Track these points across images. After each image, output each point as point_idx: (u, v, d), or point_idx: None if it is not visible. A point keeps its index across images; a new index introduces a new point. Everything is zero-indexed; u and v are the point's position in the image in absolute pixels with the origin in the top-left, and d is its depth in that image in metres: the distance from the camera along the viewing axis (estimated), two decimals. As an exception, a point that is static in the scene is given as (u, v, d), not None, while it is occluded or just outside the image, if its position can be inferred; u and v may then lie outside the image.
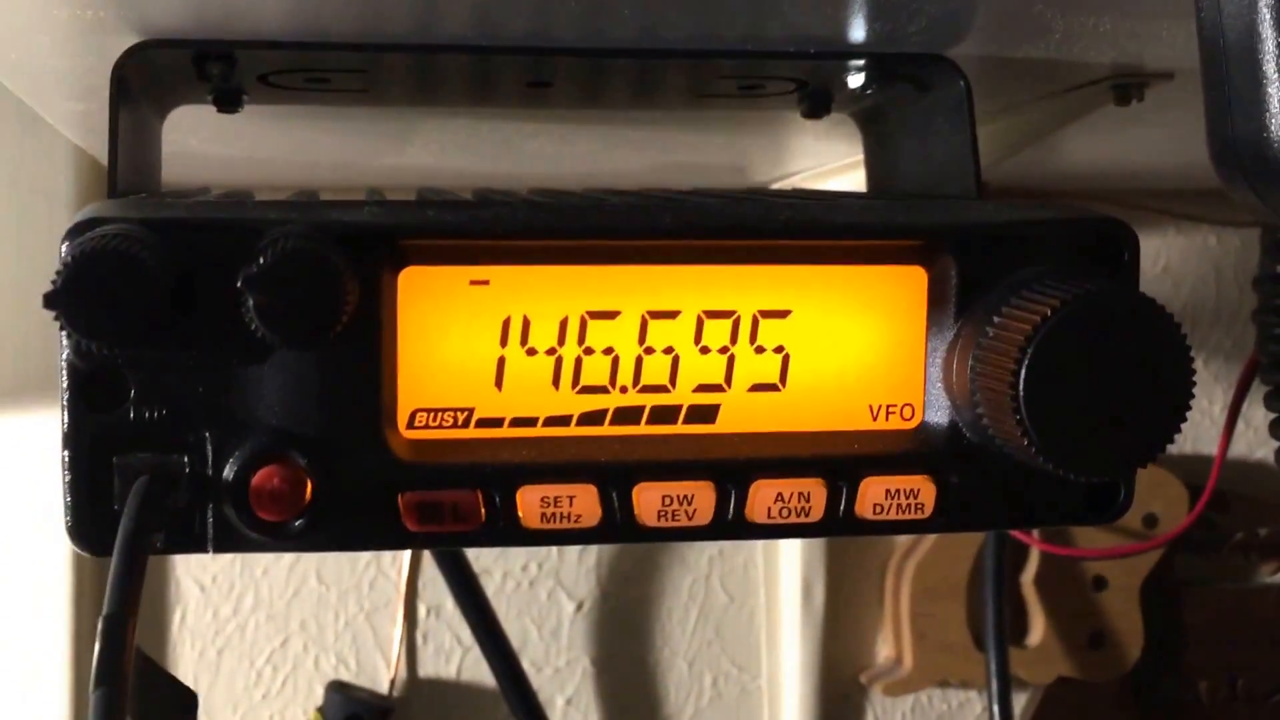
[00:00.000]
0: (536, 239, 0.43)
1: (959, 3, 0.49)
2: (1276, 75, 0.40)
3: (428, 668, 1.02)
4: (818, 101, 0.62)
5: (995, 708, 1.01)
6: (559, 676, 1.05)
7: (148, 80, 0.54)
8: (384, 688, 1.01)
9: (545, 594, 1.04)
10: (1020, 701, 1.08)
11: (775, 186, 0.92)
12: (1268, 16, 0.40)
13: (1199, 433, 1.10)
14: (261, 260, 0.39)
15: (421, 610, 1.02)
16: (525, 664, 1.00)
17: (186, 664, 0.99)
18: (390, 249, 0.42)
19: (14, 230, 0.85)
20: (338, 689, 0.99)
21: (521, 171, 0.91)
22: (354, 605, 1.01)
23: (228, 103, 0.58)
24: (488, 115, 0.71)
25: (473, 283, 0.43)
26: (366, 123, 0.72)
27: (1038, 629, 1.07)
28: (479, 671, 1.01)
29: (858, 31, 0.53)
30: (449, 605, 1.00)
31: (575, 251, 0.44)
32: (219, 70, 0.55)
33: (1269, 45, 0.40)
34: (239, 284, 0.39)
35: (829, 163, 0.84)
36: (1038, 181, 0.97)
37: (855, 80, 0.60)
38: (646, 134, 0.77)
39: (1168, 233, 1.09)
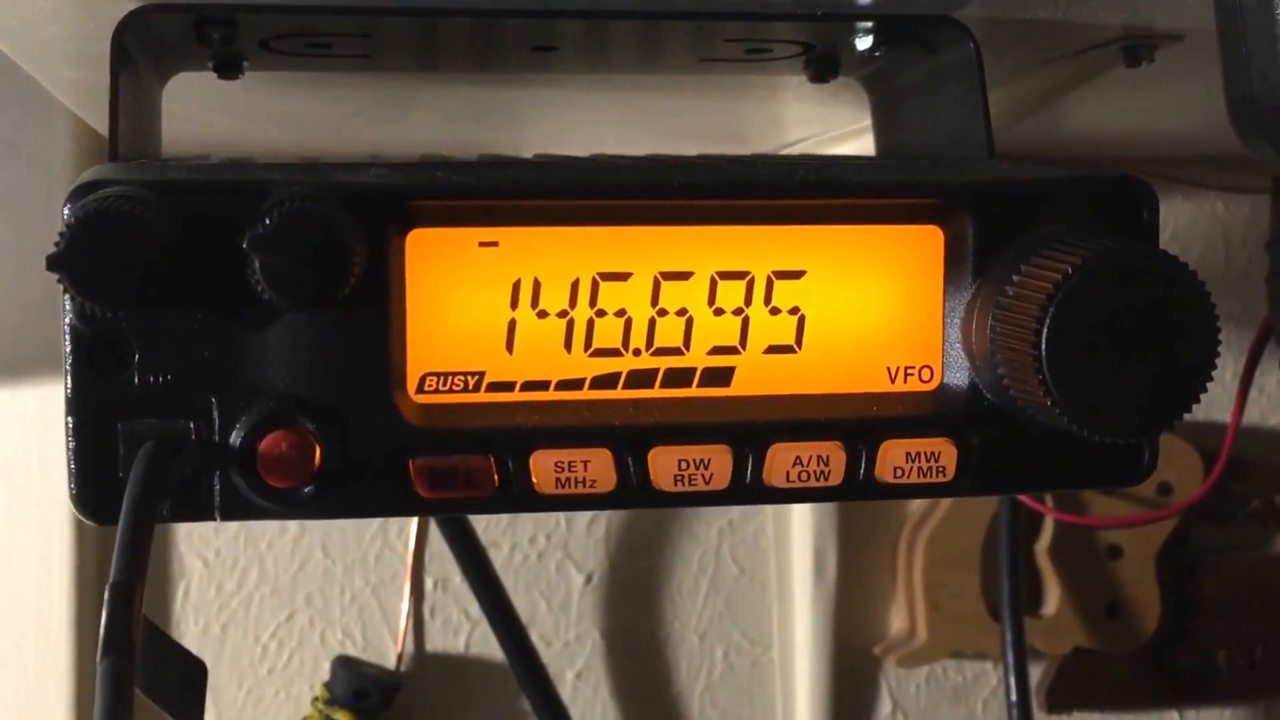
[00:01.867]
0: (546, 199, 0.43)
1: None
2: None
3: (435, 642, 1.02)
4: (825, 65, 0.62)
5: (1011, 679, 1.01)
6: (569, 650, 1.04)
7: (148, 46, 0.53)
8: (391, 663, 1.01)
9: (554, 566, 1.03)
10: (1036, 672, 1.07)
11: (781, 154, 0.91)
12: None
13: (1212, 400, 1.08)
14: (267, 221, 0.38)
15: (429, 584, 1.02)
16: (534, 637, 1.00)
17: (191, 639, 0.99)
18: (398, 210, 0.42)
19: (13, 201, 0.84)
20: (344, 664, 0.99)
21: (524, 139, 0.90)
22: (360, 579, 1.01)
23: (228, 69, 0.58)
24: (490, 82, 0.70)
25: (482, 244, 0.43)
26: (369, 90, 0.71)
27: (1053, 599, 1.07)
28: (487, 646, 1.01)
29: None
30: (456, 578, 1.00)
31: (585, 212, 0.43)
32: (220, 35, 0.54)
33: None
34: (244, 245, 0.38)
35: (833, 130, 0.83)
36: (1045, 147, 0.97)
37: (863, 43, 0.59)
38: (650, 101, 0.77)
39: (1175, 199, 1.08)
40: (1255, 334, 0.76)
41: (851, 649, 1.07)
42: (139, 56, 0.53)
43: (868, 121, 0.65)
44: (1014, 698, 1.00)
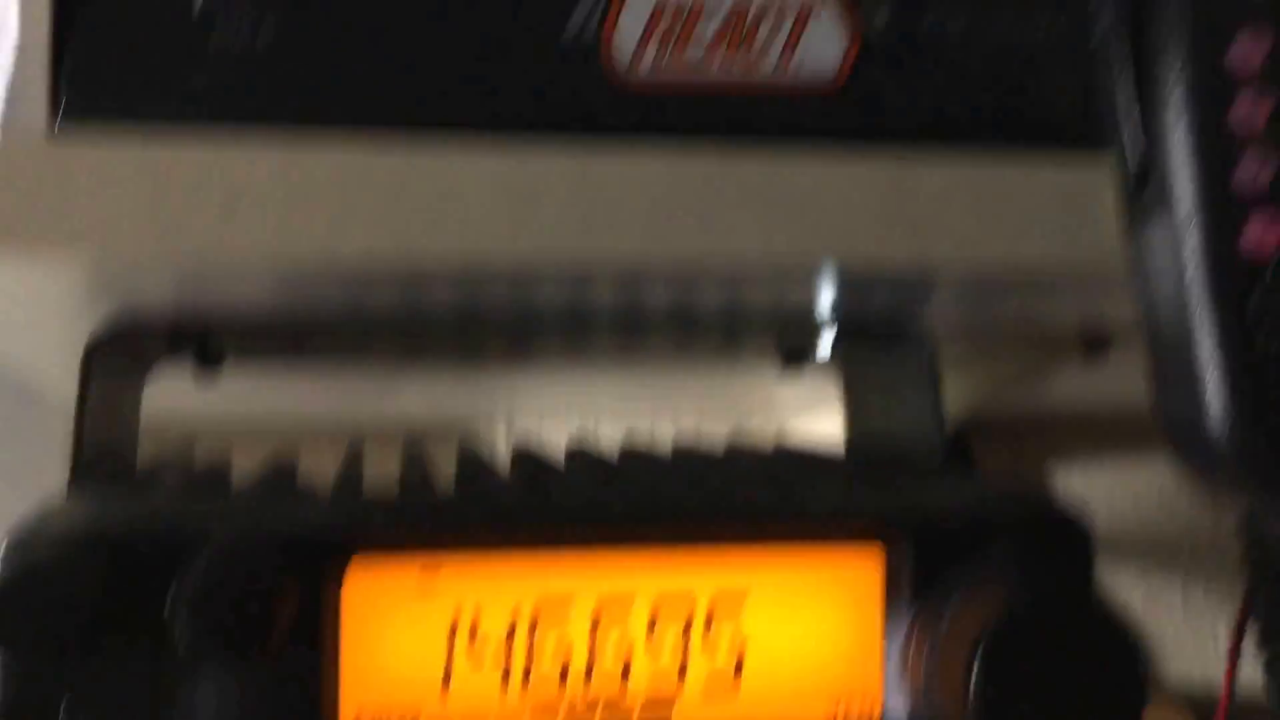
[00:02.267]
0: (484, 538, 0.43)
1: (911, 278, 0.49)
2: (1209, 367, 0.40)
3: None
4: (794, 358, 0.63)
5: None
6: None
7: (122, 354, 0.54)
8: None
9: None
10: None
11: (760, 426, 0.92)
12: (1196, 310, 0.40)
13: (1205, 661, 1.07)
14: (191, 578, 0.38)
15: None
16: None
17: None
18: (332, 555, 0.42)
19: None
20: None
21: (516, 411, 0.91)
22: None
23: (207, 368, 0.59)
24: (474, 365, 0.71)
25: (420, 582, 0.43)
26: (349, 377, 0.72)
27: None
28: None
29: (824, 300, 0.53)
30: None
31: (524, 541, 0.43)
32: (194, 345, 0.55)
33: (1200, 337, 0.40)
34: (168, 601, 0.38)
35: (819, 405, 0.84)
36: (1034, 414, 0.97)
37: (825, 342, 0.60)
38: (638, 379, 0.77)
39: (1159, 464, 1.07)
40: (1239, 609, 0.75)
41: None
42: (114, 364, 0.54)
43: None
44: None
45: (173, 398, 0.68)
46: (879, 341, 0.59)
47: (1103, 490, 1.06)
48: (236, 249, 0.43)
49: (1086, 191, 0.47)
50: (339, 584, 0.42)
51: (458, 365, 0.69)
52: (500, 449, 0.65)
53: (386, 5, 0.45)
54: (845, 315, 0.57)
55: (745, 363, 0.69)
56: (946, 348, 0.59)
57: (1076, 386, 0.79)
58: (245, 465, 0.59)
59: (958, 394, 0.72)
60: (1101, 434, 1.03)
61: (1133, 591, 1.07)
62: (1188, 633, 1.08)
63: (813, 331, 0.60)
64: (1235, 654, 0.84)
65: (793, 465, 0.54)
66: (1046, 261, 0.47)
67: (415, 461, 0.61)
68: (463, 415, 0.93)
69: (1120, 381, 0.73)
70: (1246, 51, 0.41)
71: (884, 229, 0.47)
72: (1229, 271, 0.41)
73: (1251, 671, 0.47)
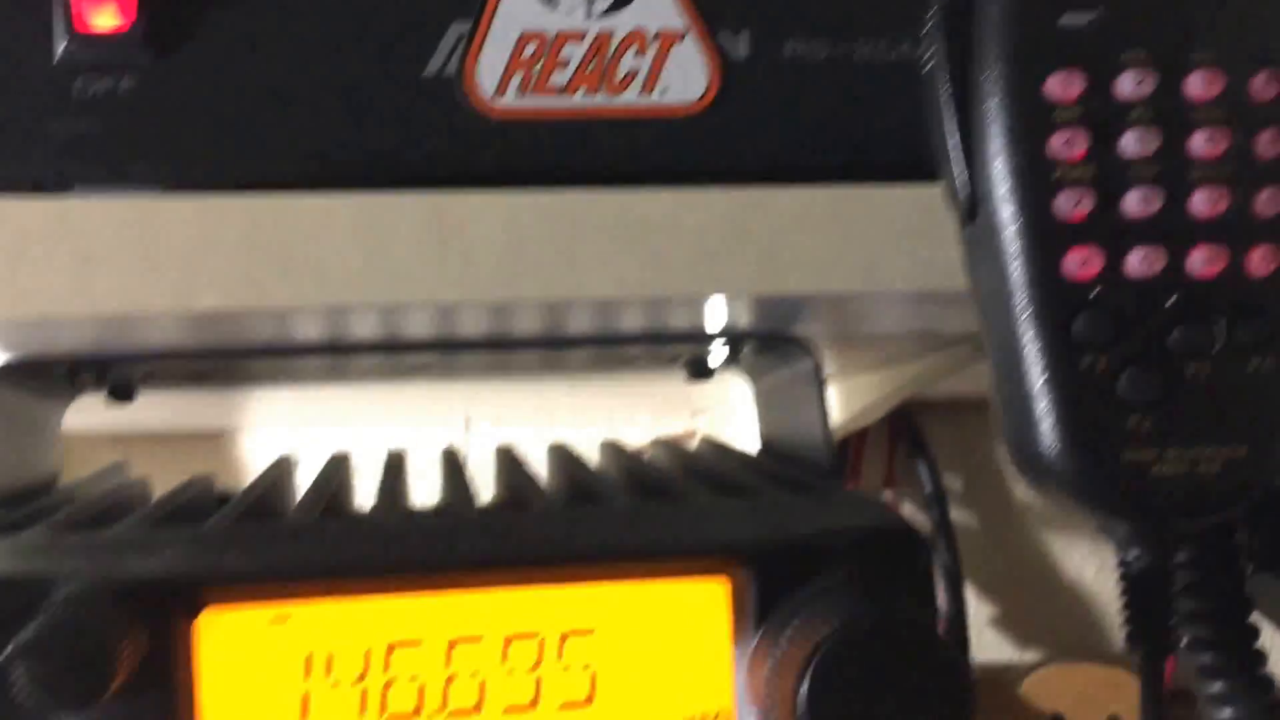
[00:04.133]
0: (332, 577, 0.43)
1: (777, 303, 0.49)
2: (1039, 387, 0.40)
3: None
4: (698, 369, 0.63)
5: None
6: None
7: (28, 386, 0.54)
8: None
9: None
10: None
11: (708, 418, 0.91)
12: (1024, 339, 0.40)
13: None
14: (32, 627, 0.38)
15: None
16: None
17: None
18: (184, 597, 0.42)
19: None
20: None
21: (471, 409, 0.91)
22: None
23: (119, 396, 0.59)
24: (397, 383, 0.71)
25: (273, 621, 0.42)
26: (272, 391, 0.72)
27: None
28: None
29: (710, 321, 0.53)
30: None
31: (373, 584, 0.43)
32: (93, 379, 0.55)
33: (1029, 366, 0.40)
34: (9, 652, 0.38)
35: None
36: (975, 393, 0.96)
37: (719, 355, 0.60)
38: (561, 394, 0.77)
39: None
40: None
41: None
42: (21, 396, 0.54)
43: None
44: None
45: (105, 418, 0.68)
46: (771, 353, 0.59)
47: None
48: (92, 305, 0.43)
49: (939, 216, 0.47)
50: (190, 627, 0.42)
51: (381, 382, 0.69)
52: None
53: (248, 53, 0.45)
54: (735, 331, 0.56)
55: (656, 374, 0.69)
56: (847, 356, 0.59)
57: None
58: (171, 481, 0.59)
59: (891, 385, 0.71)
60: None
61: (1086, 563, 1.07)
62: (1139, 605, 1.08)
63: (707, 347, 0.59)
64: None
65: (663, 491, 0.53)
66: (898, 285, 0.47)
67: (322, 486, 0.60)
68: (423, 418, 0.93)
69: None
70: (1063, 86, 0.40)
71: (741, 259, 0.46)
72: (1053, 297, 0.40)
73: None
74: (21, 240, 0.43)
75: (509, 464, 0.67)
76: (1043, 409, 0.41)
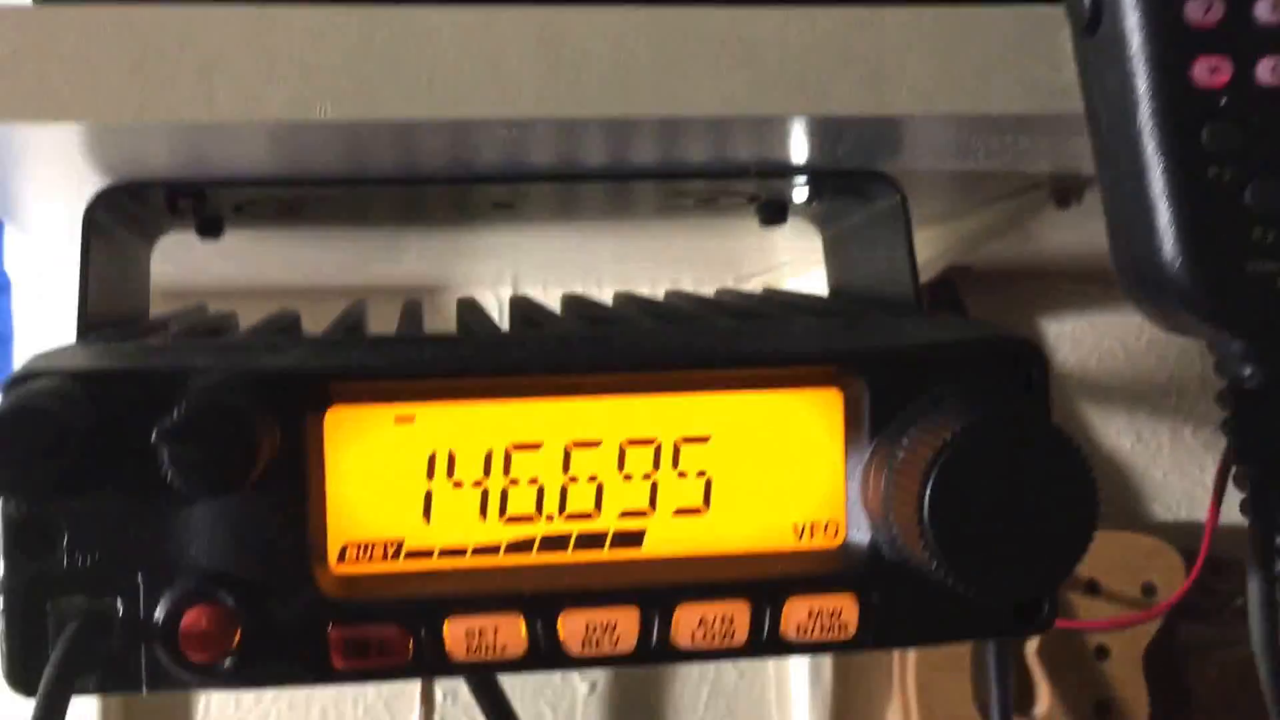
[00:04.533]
0: (456, 379, 0.43)
1: (878, 129, 0.49)
2: (1162, 203, 0.40)
3: (446, 751, 1.02)
4: (772, 211, 0.62)
5: (1004, 776, 0.99)
6: (575, 756, 1.04)
7: (124, 216, 0.54)
8: (403, 772, 1.00)
9: (559, 676, 1.03)
10: (1031, 768, 1.06)
11: (757, 280, 0.91)
12: (1149, 146, 0.40)
13: (1193, 500, 1.08)
14: (175, 414, 0.39)
15: (439, 695, 1.01)
16: (542, 745, 0.99)
17: (211, 754, 0.98)
18: (314, 392, 0.42)
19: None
20: (358, 774, 0.98)
21: (514, 271, 0.91)
22: (373, 692, 1.00)
23: (209, 232, 0.58)
24: (467, 227, 0.71)
25: (398, 420, 0.43)
26: (350, 238, 0.72)
27: (1043, 699, 1.05)
28: (497, 753, 1.00)
29: (797, 152, 0.53)
30: (465, 691, 0.99)
31: (496, 388, 0.43)
32: (191, 206, 0.55)
33: (1154, 175, 0.40)
34: (154, 437, 0.39)
35: (811, 255, 0.83)
36: (1020, 262, 0.97)
37: (801, 194, 0.59)
38: (623, 239, 0.77)
39: (1148, 307, 1.07)
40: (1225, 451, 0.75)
41: (851, 750, 1.05)
42: (117, 227, 0.54)
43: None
44: (1006, 796, 0.98)
45: (183, 263, 0.68)
46: (852, 193, 0.58)
47: (1091, 337, 1.06)
48: (216, 112, 0.43)
49: (1047, 36, 0.46)
50: (320, 421, 0.42)
51: (454, 227, 0.68)
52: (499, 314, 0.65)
53: None
54: (817, 170, 0.56)
55: (727, 222, 0.68)
56: (922, 201, 0.58)
57: (1061, 234, 0.79)
58: (250, 321, 0.60)
59: (939, 245, 0.71)
60: (1088, 281, 1.02)
61: (1123, 436, 1.08)
62: (1175, 474, 1.08)
63: (786, 189, 0.59)
64: (1219, 494, 0.84)
65: (757, 315, 0.53)
66: (1007, 108, 0.47)
67: (410, 317, 0.61)
68: (465, 279, 0.93)
69: (1094, 231, 0.73)
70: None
71: (848, 80, 0.46)
72: (1180, 105, 0.40)
73: (1234, 510, 0.48)
74: (143, 48, 0.43)
75: (581, 302, 0.67)
76: (1165, 222, 0.41)
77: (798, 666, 1.03)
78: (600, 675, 1.03)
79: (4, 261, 0.87)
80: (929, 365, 0.44)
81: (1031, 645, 1.05)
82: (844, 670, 1.04)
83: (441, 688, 1.01)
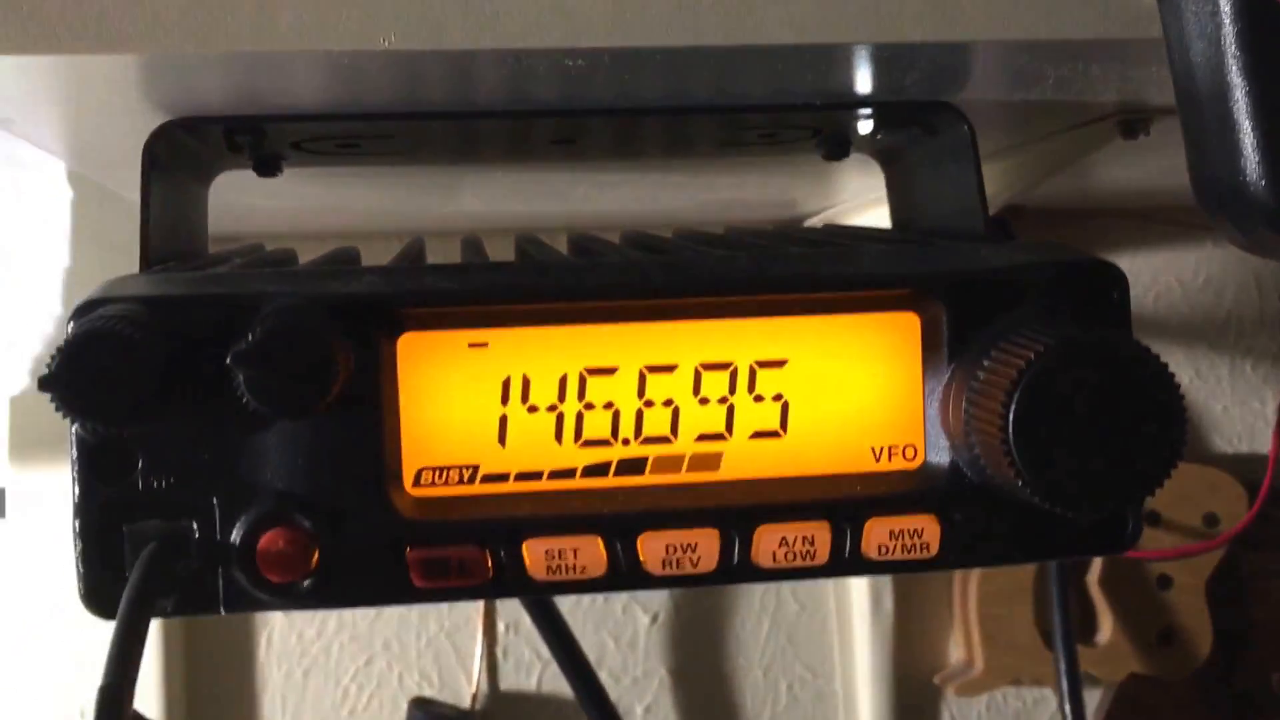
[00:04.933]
0: (530, 303, 0.42)
1: (947, 56, 0.48)
2: (1247, 122, 0.39)
3: (508, 681, 1.02)
4: (835, 146, 0.61)
5: (1067, 707, 0.99)
6: (637, 686, 1.04)
7: (182, 153, 0.54)
8: (466, 702, 1.01)
9: (620, 608, 1.03)
10: (1095, 698, 1.05)
11: (810, 221, 0.90)
12: (1234, 66, 0.39)
13: (1254, 433, 1.07)
14: (250, 337, 0.38)
15: (501, 626, 1.01)
16: (603, 675, 0.99)
17: (274, 685, 0.99)
18: (387, 317, 0.42)
19: (94, 282, 0.85)
20: (421, 705, 0.99)
21: (567, 213, 0.90)
22: (434, 624, 1.01)
23: (267, 169, 0.58)
24: (525, 167, 0.70)
25: (471, 345, 0.42)
26: (410, 177, 0.71)
27: (1106, 627, 1.04)
28: (559, 683, 1.00)
29: (862, 83, 0.52)
30: (527, 621, 0.99)
31: (570, 313, 0.43)
32: (249, 141, 0.55)
33: (1238, 94, 0.39)
34: (228, 360, 0.38)
35: (868, 193, 0.82)
36: (1075, 201, 0.95)
37: (866, 126, 0.58)
38: (683, 178, 0.76)
39: (1206, 245, 1.06)
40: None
41: (912, 679, 1.05)
42: (175, 163, 0.53)
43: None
44: (1070, 725, 0.98)
45: (238, 206, 0.68)
46: (917, 125, 0.57)
47: (1148, 274, 1.05)
48: (278, 42, 0.42)
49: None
50: (394, 347, 0.42)
51: (511, 163, 0.68)
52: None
53: None
54: (883, 102, 0.55)
55: (789, 159, 0.67)
56: (987, 134, 0.57)
57: (1124, 168, 0.78)
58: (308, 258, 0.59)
59: (999, 182, 0.70)
60: (1146, 217, 1.01)
61: (1181, 372, 1.06)
62: (1236, 408, 1.07)
63: (850, 122, 0.58)
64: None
65: (828, 242, 0.52)
66: (1080, 32, 0.46)
67: (471, 248, 0.60)
68: (520, 223, 0.92)
69: (1162, 163, 0.71)
70: None
71: (918, 5, 0.45)
72: (1267, 25, 0.39)
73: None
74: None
75: (642, 235, 0.66)
76: (1249, 142, 0.39)
77: (859, 598, 1.03)
78: (662, 607, 1.03)
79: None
80: (1009, 287, 0.43)
81: (1094, 574, 1.04)
82: (905, 601, 1.03)
83: (504, 619, 1.01)
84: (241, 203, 0.71)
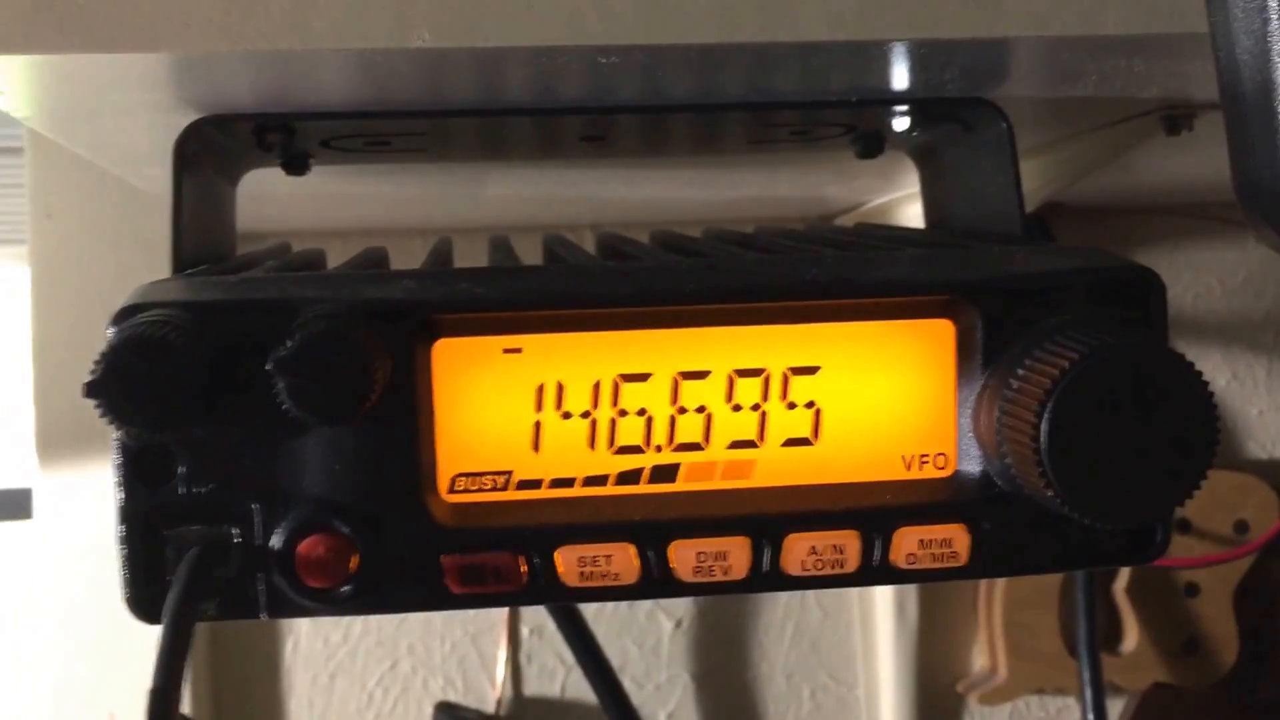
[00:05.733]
0: (565, 308, 0.43)
1: (987, 53, 0.48)
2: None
3: (532, 687, 1.02)
4: (870, 143, 0.61)
5: (1090, 716, 0.99)
6: (660, 692, 1.04)
7: (212, 151, 0.54)
8: (490, 707, 1.02)
9: (644, 614, 1.03)
10: (1117, 707, 1.05)
11: (842, 219, 0.91)
12: None
13: (1286, 439, 1.07)
14: (289, 343, 0.39)
15: (524, 631, 1.02)
16: (627, 681, 1.00)
17: (301, 690, 1.00)
18: (422, 323, 0.42)
19: (121, 284, 0.86)
20: (446, 709, 1.00)
21: (595, 212, 0.91)
22: (459, 629, 1.01)
23: (295, 167, 0.59)
24: (552, 164, 0.71)
25: (506, 351, 0.43)
26: (437, 174, 0.72)
27: (1131, 636, 1.05)
28: (582, 689, 1.00)
29: (899, 79, 0.52)
30: (551, 626, 1.00)
31: (604, 318, 0.43)
32: (279, 139, 0.55)
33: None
34: (268, 366, 0.39)
35: (899, 191, 0.82)
36: (1115, 198, 0.95)
37: (902, 124, 0.59)
38: (712, 175, 0.77)
39: (1247, 244, 1.06)
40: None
41: (935, 687, 1.06)
42: (204, 161, 0.54)
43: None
44: (1094, 734, 0.98)
45: (260, 207, 0.69)
46: (954, 122, 0.58)
47: (1187, 273, 1.05)
48: (311, 40, 0.43)
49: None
50: (429, 353, 0.42)
51: (539, 160, 0.68)
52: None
53: None
54: (919, 99, 0.56)
55: (821, 156, 0.68)
56: (1025, 131, 0.58)
57: (1165, 164, 0.78)
58: (336, 260, 0.60)
59: (1037, 178, 0.70)
60: (1187, 214, 1.01)
61: (1218, 373, 1.06)
62: (1271, 412, 1.07)
63: (885, 119, 0.58)
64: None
65: (862, 246, 0.53)
66: (1124, 28, 0.46)
67: (501, 250, 0.61)
68: (547, 222, 0.93)
69: (1205, 158, 0.71)
70: None
71: (957, 1, 0.45)
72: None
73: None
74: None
75: (671, 236, 0.67)
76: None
77: (883, 605, 1.03)
78: (685, 612, 1.04)
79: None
80: (1046, 294, 0.43)
81: (1120, 582, 1.04)
82: (929, 608, 1.04)
83: (527, 625, 1.02)
84: (267, 200, 0.71)
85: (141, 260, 0.86)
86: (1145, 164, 0.75)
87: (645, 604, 1.03)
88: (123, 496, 0.41)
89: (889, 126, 0.60)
